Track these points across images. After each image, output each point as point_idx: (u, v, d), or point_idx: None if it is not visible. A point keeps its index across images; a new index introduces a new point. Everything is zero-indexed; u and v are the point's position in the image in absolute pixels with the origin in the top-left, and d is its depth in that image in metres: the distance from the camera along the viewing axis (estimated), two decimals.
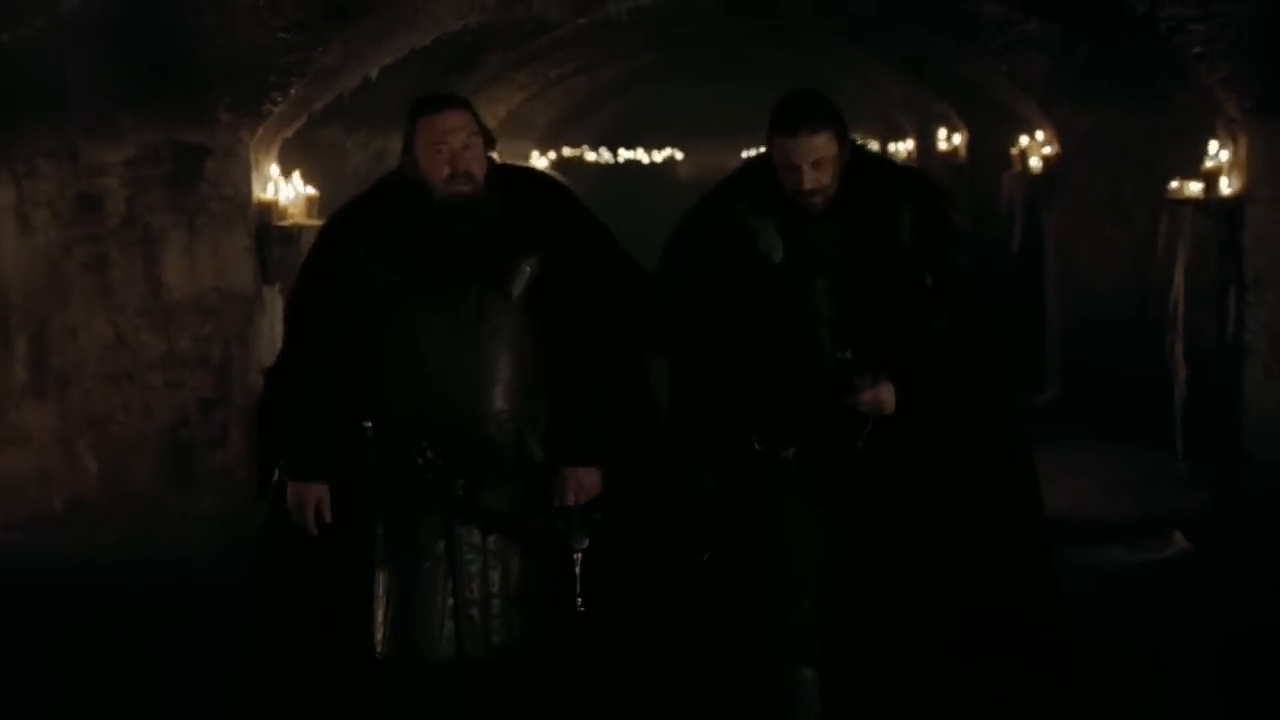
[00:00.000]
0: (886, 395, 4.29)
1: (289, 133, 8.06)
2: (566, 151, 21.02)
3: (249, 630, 4.59)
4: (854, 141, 4.42)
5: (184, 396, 7.65)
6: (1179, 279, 8.24)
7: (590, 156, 24.18)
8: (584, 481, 4.40)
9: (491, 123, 7.68)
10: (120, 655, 6.31)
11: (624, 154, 29.08)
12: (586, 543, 4.35)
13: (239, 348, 7.55)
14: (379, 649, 4.43)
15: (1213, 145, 7.93)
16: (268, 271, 7.61)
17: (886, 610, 4.37)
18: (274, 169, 7.84)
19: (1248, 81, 7.27)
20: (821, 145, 4.29)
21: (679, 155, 33.68)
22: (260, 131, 7.56)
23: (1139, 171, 10.32)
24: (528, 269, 4.41)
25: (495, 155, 4.54)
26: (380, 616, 4.43)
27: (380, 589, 4.43)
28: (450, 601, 4.39)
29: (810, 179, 4.29)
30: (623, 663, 4.46)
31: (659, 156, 32.59)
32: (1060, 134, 11.55)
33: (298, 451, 4.45)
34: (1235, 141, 7.61)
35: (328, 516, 4.42)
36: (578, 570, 4.33)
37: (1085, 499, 8.64)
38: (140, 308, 7.59)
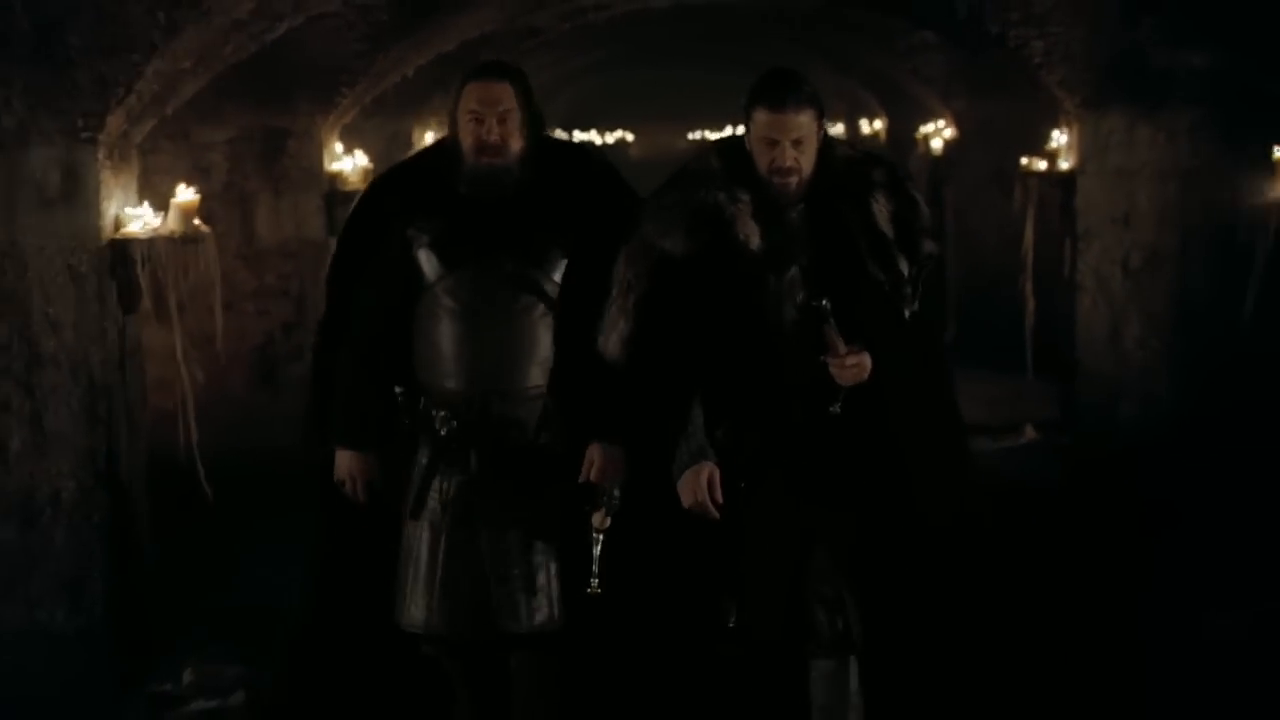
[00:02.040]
0: (867, 362, 4.03)
1: (348, 119, 8.86)
2: None
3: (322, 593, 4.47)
4: (825, 131, 4.16)
5: (270, 321, 8.51)
6: (1029, 233, 8.84)
7: None
8: (610, 459, 4.15)
9: None
10: (217, 513, 6.92)
11: (579, 135, 27.97)
12: (608, 523, 4.07)
13: (312, 283, 8.19)
14: (412, 624, 4.21)
15: (1055, 132, 8.64)
16: (333, 224, 8.32)
17: (874, 590, 4.16)
18: (338, 146, 8.85)
19: (1077, 83, 7.92)
20: (805, 123, 4.05)
21: (629, 137, 32.96)
22: (330, 118, 8.48)
23: (1018, 153, 9.82)
24: (565, 247, 4.19)
25: (553, 130, 4.36)
26: (410, 591, 4.20)
27: (410, 562, 4.20)
28: (477, 576, 4.17)
29: (790, 156, 4.03)
30: (633, 647, 4.24)
31: (611, 138, 31.83)
32: (958, 121, 12.67)
33: (345, 421, 4.23)
34: (1070, 128, 8.28)
35: (376, 484, 4.23)
36: (597, 551, 4.06)
37: (967, 410, 9.81)
38: (237, 252, 8.37)
